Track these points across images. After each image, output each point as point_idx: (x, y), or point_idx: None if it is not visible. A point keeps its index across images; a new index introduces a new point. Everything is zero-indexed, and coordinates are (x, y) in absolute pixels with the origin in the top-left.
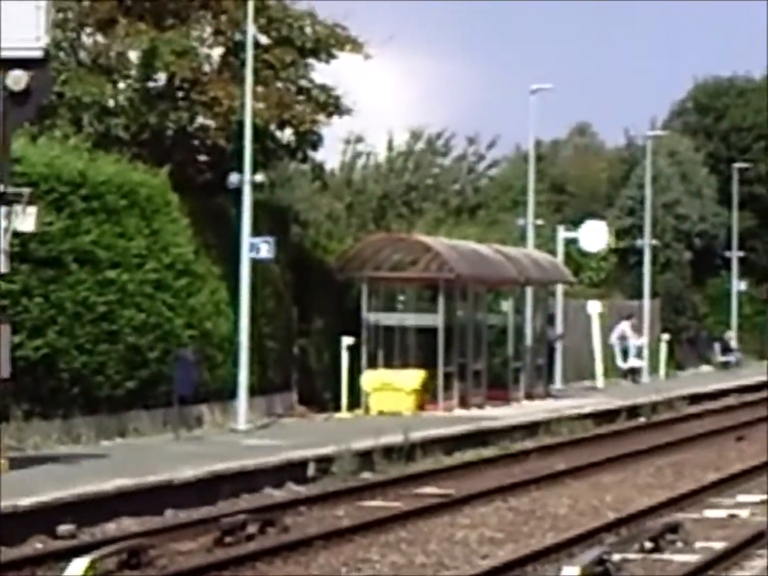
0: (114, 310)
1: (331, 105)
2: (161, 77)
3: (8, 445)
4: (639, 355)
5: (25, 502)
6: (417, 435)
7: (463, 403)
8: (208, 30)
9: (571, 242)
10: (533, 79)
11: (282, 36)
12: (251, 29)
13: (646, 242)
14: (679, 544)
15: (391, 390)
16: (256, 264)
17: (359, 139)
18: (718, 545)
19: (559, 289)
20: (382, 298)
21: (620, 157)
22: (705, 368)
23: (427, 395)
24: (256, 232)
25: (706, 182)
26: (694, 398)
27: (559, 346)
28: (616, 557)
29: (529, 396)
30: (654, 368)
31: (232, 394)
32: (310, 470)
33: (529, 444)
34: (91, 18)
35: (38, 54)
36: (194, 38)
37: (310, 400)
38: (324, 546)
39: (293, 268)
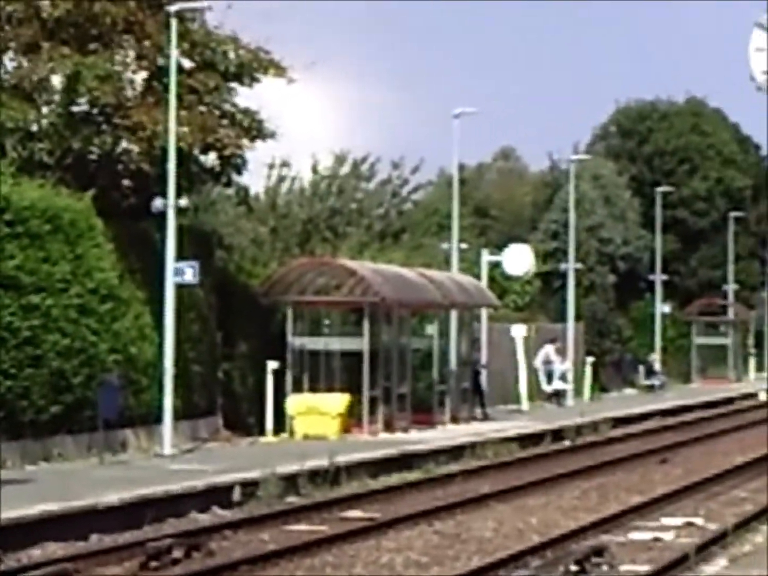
0: (38, 334)
1: (255, 129)
2: (84, 102)
3: None
4: (563, 378)
5: None
6: (342, 459)
7: (388, 427)
8: (132, 54)
9: (495, 266)
10: (457, 103)
11: (205, 60)
12: (174, 54)
13: (570, 266)
14: (605, 567)
15: (316, 414)
16: (180, 288)
17: (285, 164)
18: (643, 568)
19: (484, 312)
20: (307, 322)
21: (544, 180)
22: (629, 391)
23: (352, 419)
24: (181, 256)
25: (630, 206)
26: (619, 421)
27: (483, 373)
28: None
29: (455, 419)
30: (578, 391)
31: (157, 419)
32: (236, 494)
33: (454, 467)
34: (14, 42)
35: None
36: (117, 63)
37: (235, 425)
38: (249, 570)
39: (218, 292)
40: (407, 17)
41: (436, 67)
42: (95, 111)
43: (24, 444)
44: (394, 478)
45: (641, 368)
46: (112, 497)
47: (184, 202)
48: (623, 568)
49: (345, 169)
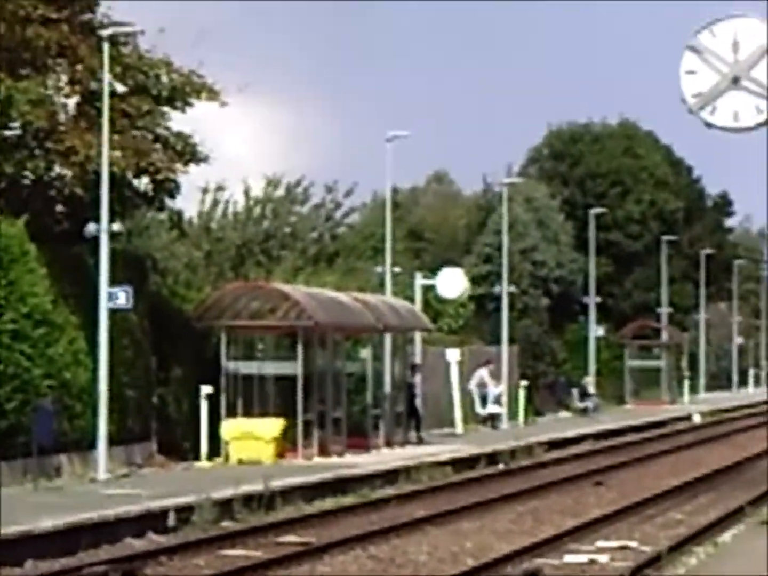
0: None
1: (188, 153)
2: (17, 126)
3: None
4: (498, 401)
5: None
6: (277, 483)
7: (323, 451)
8: (64, 79)
9: (429, 289)
10: (390, 126)
11: (138, 84)
12: (107, 78)
13: (504, 289)
14: None
15: (250, 438)
16: (114, 313)
17: (219, 188)
18: None
19: (418, 336)
20: (241, 346)
21: (477, 203)
22: (563, 414)
23: (286, 443)
24: (114, 281)
25: (563, 228)
26: (553, 444)
27: (419, 398)
28: None
29: (389, 443)
30: (513, 414)
31: (92, 444)
32: (171, 520)
33: (388, 491)
34: None
35: None
36: (50, 87)
37: (170, 450)
38: None
39: (152, 317)
40: (341, 41)
41: (369, 91)
42: (28, 135)
43: None
44: (329, 503)
45: (575, 391)
46: (47, 523)
47: (117, 226)
48: None
49: (279, 193)
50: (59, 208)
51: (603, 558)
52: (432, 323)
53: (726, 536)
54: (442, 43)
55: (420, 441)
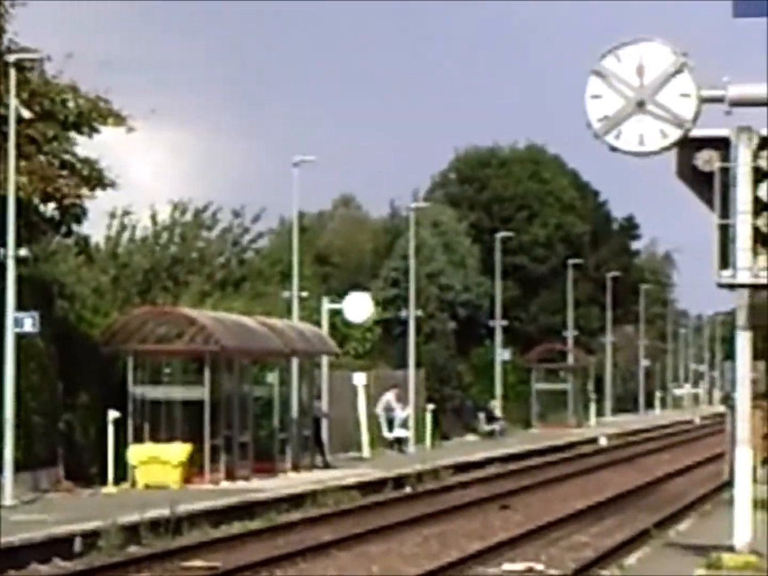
0: None
1: (95, 178)
2: None
3: None
4: (404, 425)
5: None
6: (184, 508)
7: (230, 476)
8: None
9: (336, 313)
10: (297, 151)
11: (44, 109)
12: (13, 103)
13: (411, 313)
14: None
15: (157, 463)
16: (20, 339)
17: (126, 213)
18: None
19: (325, 360)
20: (148, 371)
21: (384, 227)
22: (470, 437)
23: (193, 468)
24: (21, 306)
25: (470, 252)
26: (460, 468)
27: (325, 423)
28: None
29: (296, 467)
30: (419, 438)
31: None
32: (77, 545)
33: (295, 515)
34: None
35: None
36: None
37: (77, 475)
38: None
39: (58, 342)
40: (248, 66)
41: (276, 116)
42: None
43: None
44: (236, 527)
45: (482, 414)
46: None
47: (23, 252)
48: None
49: (186, 218)
50: None
51: None
52: (339, 347)
53: (632, 559)
54: (350, 68)
55: (326, 465)
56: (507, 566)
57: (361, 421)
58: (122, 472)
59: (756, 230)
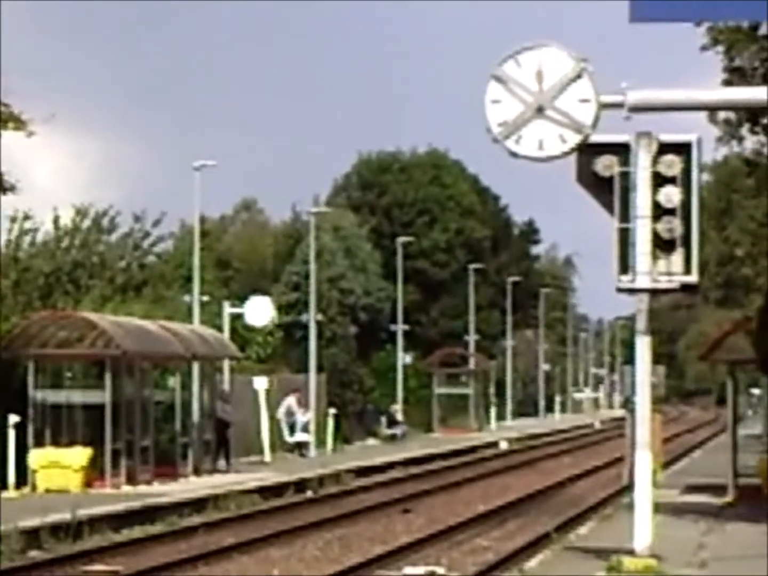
0: None
1: None
2: None
3: None
4: (306, 429)
5: None
6: (85, 512)
7: (131, 480)
8: None
9: (237, 318)
10: (199, 155)
11: None
12: None
13: (312, 317)
14: None
15: (58, 468)
16: None
17: (27, 217)
18: None
19: (226, 364)
20: (49, 375)
21: (286, 232)
22: (371, 441)
23: (95, 472)
24: None
25: (371, 257)
26: (361, 471)
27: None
28: None
29: (197, 471)
30: (321, 442)
31: None
32: None
33: (196, 520)
34: None
35: None
36: None
37: None
38: None
39: None
40: (148, 70)
41: (178, 120)
42: None
43: None
44: (137, 531)
45: (383, 418)
46: None
47: None
48: None
49: (87, 223)
50: None
51: None
52: (240, 351)
53: (533, 562)
54: (252, 72)
55: (229, 469)
56: (408, 570)
57: (262, 425)
58: (23, 476)
59: (655, 235)
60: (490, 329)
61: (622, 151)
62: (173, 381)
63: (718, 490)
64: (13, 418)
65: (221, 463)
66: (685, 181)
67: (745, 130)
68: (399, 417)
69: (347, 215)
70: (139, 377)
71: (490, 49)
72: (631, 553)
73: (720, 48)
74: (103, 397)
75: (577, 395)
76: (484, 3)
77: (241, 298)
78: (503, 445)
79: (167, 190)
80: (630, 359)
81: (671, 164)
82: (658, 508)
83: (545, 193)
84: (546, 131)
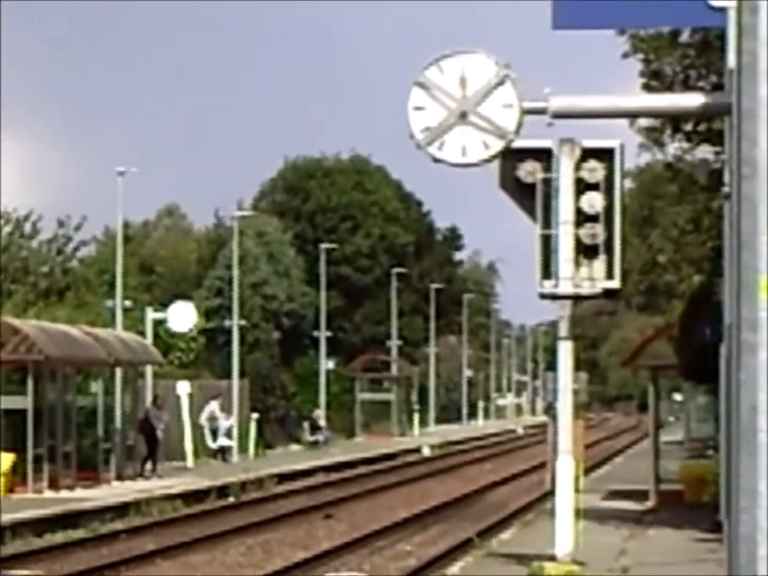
0: None
1: None
2: None
3: None
4: (228, 434)
5: None
6: (6, 518)
7: (54, 485)
8: None
9: (160, 323)
10: (122, 160)
11: None
12: None
13: (234, 322)
14: None
15: None
16: None
17: None
18: None
19: (149, 369)
20: None
21: (209, 237)
22: (294, 447)
23: (16, 478)
24: None
25: (294, 262)
26: (284, 477)
27: (160, 435)
28: None
29: (120, 477)
30: (243, 447)
31: None
32: None
33: (119, 525)
34: None
35: None
36: None
37: None
38: None
39: None
40: (71, 74)
41: (100, 125)
42: None
43: None
44: (59, 537)
45: (306, 424)
46: None
47: None
48: None
49: (8, 228)
50: None
51: None
52: (163, 357)
53: (454, 568)
54: (175, 76)
55: (153, 474)
56: (330, 575)
57: (185, 431)
58: None
59: (578, 241)
60: (413, 335)
61: (544, 157)
62: (96, 386)
63: (640, 495)
64: None
65: (147, 467)
66: (607, 187)
67: (666, 137)
68: (322, 422)
69: (271, 221)
70: (61, 383)
71: (413, 55)
72: (552, 558)
73: (640, 55)
74: (26, 402)
75: (500, 401)
76: (409, 9)
77: (164, 304)
78: (426, 451)
79: (91, 195)
80: (552, 365)
81: (594, 170)
82: (581, 513)
83: (468, 199)
84: (469, 137)
